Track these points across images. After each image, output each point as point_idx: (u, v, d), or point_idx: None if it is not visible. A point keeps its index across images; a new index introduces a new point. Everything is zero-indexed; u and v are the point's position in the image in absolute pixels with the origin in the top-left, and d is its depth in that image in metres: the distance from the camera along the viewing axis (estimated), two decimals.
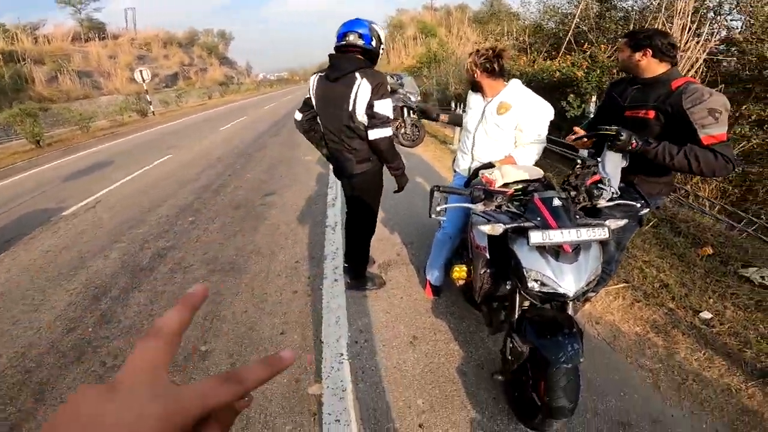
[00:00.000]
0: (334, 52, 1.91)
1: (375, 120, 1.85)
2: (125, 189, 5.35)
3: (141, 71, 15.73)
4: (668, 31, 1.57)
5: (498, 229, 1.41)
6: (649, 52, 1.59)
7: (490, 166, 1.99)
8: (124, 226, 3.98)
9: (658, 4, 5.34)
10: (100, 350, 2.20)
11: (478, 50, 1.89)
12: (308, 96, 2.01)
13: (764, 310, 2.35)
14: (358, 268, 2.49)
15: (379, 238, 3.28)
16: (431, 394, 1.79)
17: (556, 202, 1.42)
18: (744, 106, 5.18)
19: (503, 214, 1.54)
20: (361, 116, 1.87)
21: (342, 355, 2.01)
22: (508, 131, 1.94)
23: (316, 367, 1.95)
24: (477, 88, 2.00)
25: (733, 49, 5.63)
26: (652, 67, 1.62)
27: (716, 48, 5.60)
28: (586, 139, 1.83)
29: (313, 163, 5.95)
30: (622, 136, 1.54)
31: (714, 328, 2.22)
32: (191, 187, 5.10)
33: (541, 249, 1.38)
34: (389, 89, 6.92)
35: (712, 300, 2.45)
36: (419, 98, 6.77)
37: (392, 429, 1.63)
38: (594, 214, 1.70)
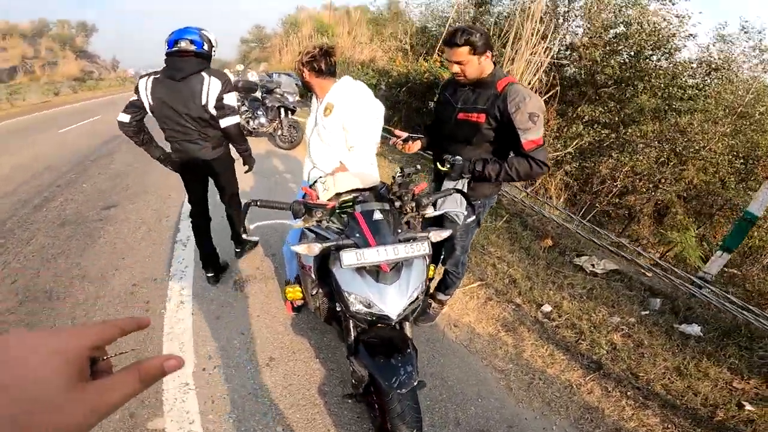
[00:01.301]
0: (167, 57, 2.00)
1: (225, 111, 2.09)
2: None
3: None
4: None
5: (314, 249, 1.23)
6: (489, 53, 1.53)
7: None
8: None
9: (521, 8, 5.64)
10: None
11: (307, 50, 1.76)
12: (136, 98, 2.02)
13: (595, 298, 2.58)
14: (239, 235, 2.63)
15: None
16: (292, 419, 1.67)
17: (377, 215, 1.32)
18: (579, 108, 5.99)
19: (330, 229, 1.38)
20: (212, 109, 2.07)
21: (187, 384, 1.80)
22: (336, 133, 1.78)
23: (157, 399, 1.72)
24: (310, 89, 1.85)
25: (574, 54, 6.44)
26: (487, 67, 1.56)
27: (562, 53, 6.37)
28: (410, 143, 1.81)
29: None
30: (453, 173, 1.60)
31: (554, 321, 2.36)
32: (5, 204, 3.90)
33: (360, 269, 1.26)
34: (270, 88, 6.19)
35: (552, 292, 2.61)
36: (297, 98, 6.30)
37: None
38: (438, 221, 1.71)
